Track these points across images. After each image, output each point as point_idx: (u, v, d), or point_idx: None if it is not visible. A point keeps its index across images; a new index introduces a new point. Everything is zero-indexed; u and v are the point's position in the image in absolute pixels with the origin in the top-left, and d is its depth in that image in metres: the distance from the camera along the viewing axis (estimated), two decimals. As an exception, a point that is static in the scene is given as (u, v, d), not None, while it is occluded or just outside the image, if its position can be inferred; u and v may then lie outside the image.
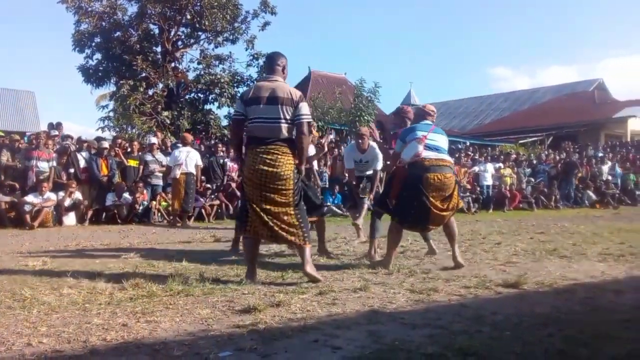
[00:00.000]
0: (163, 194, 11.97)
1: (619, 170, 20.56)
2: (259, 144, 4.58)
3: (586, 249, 6.78)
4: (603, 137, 31.03)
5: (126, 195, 11.45)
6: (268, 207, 4.54)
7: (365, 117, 19.04)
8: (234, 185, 12.57)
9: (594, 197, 18.03)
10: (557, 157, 21.18)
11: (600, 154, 22.74)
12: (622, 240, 7.39)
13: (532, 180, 18.68)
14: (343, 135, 19.53)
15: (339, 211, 13.49)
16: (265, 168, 4.50)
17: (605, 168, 20.18)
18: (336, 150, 15.37)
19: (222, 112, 21.02)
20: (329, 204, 13.58)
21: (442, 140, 5.45)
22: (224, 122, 19.91)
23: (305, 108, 4.63)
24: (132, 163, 12.23)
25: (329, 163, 14.77)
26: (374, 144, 7.46)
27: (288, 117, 4.56)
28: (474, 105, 44.20)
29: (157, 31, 19.35)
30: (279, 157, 4.53)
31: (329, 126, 20.05)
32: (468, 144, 24.94)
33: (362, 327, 3.20)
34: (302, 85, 28.45)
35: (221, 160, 13.19)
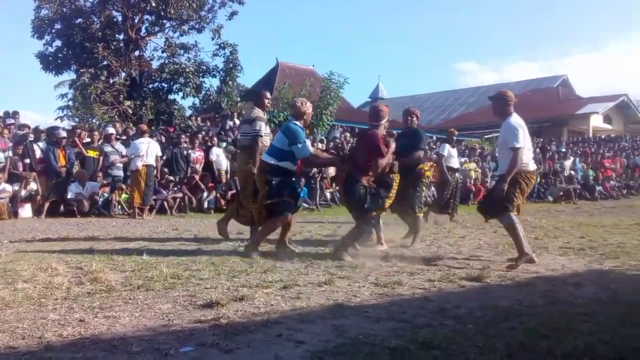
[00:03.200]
0: (123, 186, 11.68)
1: (579, 165, 21.08)
2: None
3: (547, 242, 6.92)
4: (566, 133, 31.84)
5: (93, 183, 11.12)
6: None
7: (330, 109, 19.08)
8: (197, 177, 12.39)
9: (560, 192, 18.45)
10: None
11: (563, 150, 23.31)
12: (582, 235, 7.57)
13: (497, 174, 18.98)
14: (310, 128, 19.46)
15: (305, 204, 13.44)
16: None
17: (568, 163, 20.67)
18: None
19: (186, 103, 20.71)
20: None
21: None
22: (189, 113, 19.61)
23: None
24: (92, 154, 11.87)
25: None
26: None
27: None
28: (441, 99, 44.71)
29: (120, 18, 18.92)
30: None
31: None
32: (435, 138, 25.20)
33: (326, 321, 3.18)
34: (269, 77, 28.20)
35: (185, 152, 12.95)
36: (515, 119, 5.26)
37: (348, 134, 19.57)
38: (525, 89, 39.94)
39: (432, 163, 8.40)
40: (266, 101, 6.71)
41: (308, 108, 5.85)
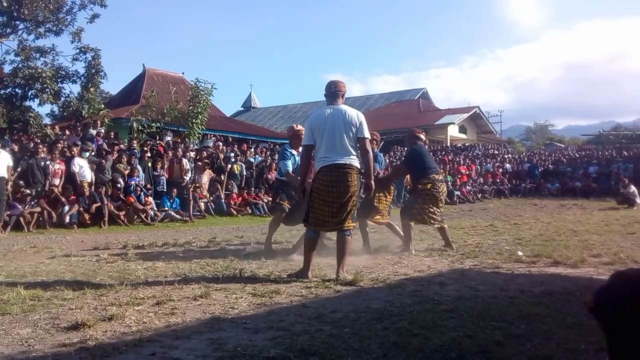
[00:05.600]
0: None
1: (439, 172, 22.66)
2: None
3: (414, 245, 7.31)
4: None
5: None
6: None
7: (201, 118, 18.70)
8: (57, 190, 11.48)
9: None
10: (387, 161, 22.78)
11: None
12: (432, 238, 8.09)
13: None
14: (182, 137, 18.89)
15: (177, 216, 13.02)
16: None
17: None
18: (180, 152, 14.76)
19: (44, 110, 19.18)
20: (166, 208, 13.05)
21: None
22: (46, 120, 18.16)
23: None
24: None
25: (166, 166, 14.19)
26: None
27: None
28: (313, 109, 45.71)
29: (-34, 18, 17.04)
30: None
31: (166, 128, 19.30)
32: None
33: (203, 336, 3.09)
34: (136, 84, 27.02)
35: (42, 163, 11.92)
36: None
37: (221, 144, 19.31)
38: (390, 101, 42.50)
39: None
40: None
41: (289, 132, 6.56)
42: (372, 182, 5.17)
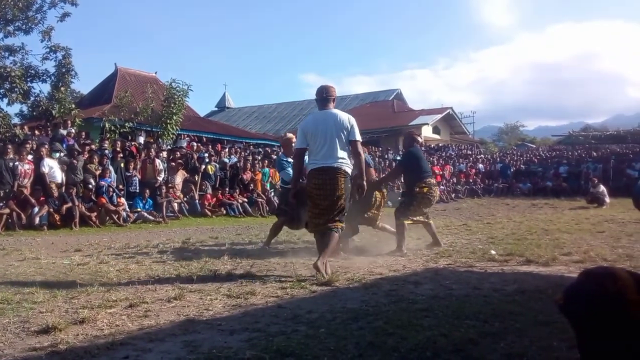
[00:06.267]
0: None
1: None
2: None
3: (391, 245, 7.33)
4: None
5: None
6: None
7: (175, 118, 18.50)
8: (26, 191, 11.23)
9: (397, 197, 19.74)
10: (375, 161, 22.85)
11: (398, 158, 25.10)
12: (418, 236, 8.14)
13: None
14: (155, 137, 18.65)
15: (150, 217, 12.86)
16: None
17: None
18: (153, 152, 14.57)
19: (13, 110, 18.74)
20: (139, 209, 12.88)
21: None
22: (16, 120, 17.74)
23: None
24: None
25: (138, 167, 14.00)
26: None
27: None
28: (287, 110, 45.80)
29: None
30: None
31: (139, 128, 19.03)
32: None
33: (177, 338, 3.05)
34: (108, 83, 26.62)
35: (11, 164, 11.64)
36: None
37: (195, 144, 19.14)
38: (364, 102, 42.70)
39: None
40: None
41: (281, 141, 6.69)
42: (365, 183, 5.27)
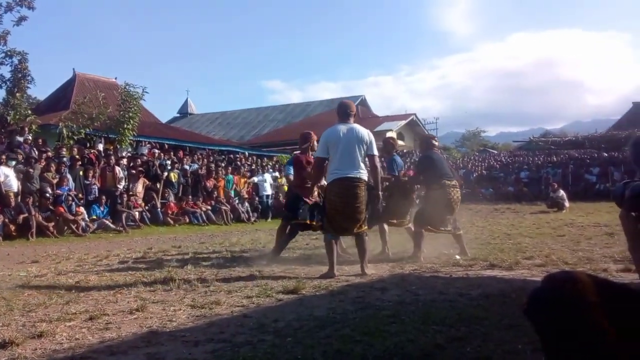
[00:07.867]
0: None
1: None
2: None
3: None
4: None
5: None
6: None
7: (132, 123, 18.11)
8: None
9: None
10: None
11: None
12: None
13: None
14: (114, 143, 18.14)
15: (111, 226, 12.57)
16: None
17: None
18: (112, 160, 14.22)
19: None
20: (96, 217, 12.56)
21: None
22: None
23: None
24: None
25: (97, 174, 13.66)
26: None
27: None
28: (252, 116, 45.60)
29: None
30: None
31: (97, 134, 18.50)
32: (247, 154, 25.46)
33: (140, 351, 2.96)
34: (65, 89, 25.96)
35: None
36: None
37: (157, 151, 18.80)
38: (329, 108, 42.68)
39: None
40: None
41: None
42: (380, 193, 5.80)
